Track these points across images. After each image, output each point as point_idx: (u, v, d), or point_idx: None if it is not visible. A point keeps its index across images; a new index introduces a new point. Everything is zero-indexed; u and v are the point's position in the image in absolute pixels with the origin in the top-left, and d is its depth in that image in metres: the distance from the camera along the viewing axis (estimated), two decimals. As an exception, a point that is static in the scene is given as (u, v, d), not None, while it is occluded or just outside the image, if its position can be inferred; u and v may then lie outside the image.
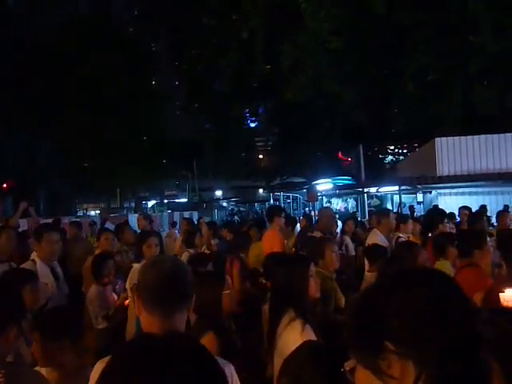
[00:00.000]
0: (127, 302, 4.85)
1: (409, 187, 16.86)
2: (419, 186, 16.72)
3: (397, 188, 16.83)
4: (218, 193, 49.99)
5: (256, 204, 42.52)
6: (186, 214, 23.70)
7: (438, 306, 0.98)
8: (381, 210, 7.61)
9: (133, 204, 41.92)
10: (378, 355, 0.96)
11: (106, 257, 5.42)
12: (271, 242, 6.62)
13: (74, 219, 14.43)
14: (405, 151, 30.22)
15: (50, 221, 13.82)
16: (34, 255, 5.01)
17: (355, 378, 1.02)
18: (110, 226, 13.95)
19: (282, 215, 7.14)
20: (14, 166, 27.65)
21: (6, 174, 26.27)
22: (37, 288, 3.63)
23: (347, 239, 8.27)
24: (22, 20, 26.59)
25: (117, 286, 5.31)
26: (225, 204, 42.77)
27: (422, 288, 1.01)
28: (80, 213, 40.17)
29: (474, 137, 15.99)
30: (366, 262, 5.50)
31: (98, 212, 35.09)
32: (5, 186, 25.71)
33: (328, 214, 7.38)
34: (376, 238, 6.29)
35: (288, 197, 26.02)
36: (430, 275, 1.10)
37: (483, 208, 11.42)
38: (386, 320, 0.97)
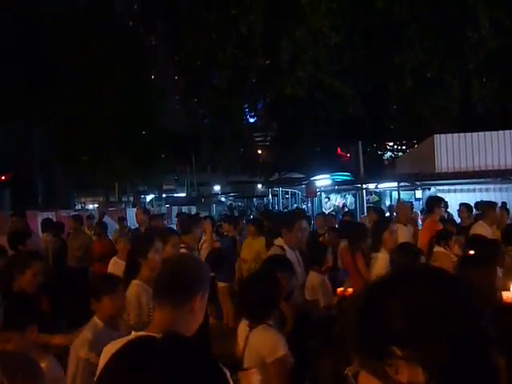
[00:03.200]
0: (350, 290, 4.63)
1: (407, 184, 16.83)
2: (418, 183, 16.69)
3: (395, 184, 16.79)
4: (217, 188, 49.98)
5: (254, 199, 42.51)
6: (184, 209, 23.73)
7: (442, 306, 0.94)
8: (486, 203, 7.71)
9: (131, 198, 41.87)
10: (383, 360, 0.91)
11: (324, 245, 5.30)
12: (431, 230, 6.67)
13: (72, 213, 14.47)
14: (404, 148, 30.22)
15: (48, 214, 13.84)
16: (280, 241, 4.90)
17: (358, 383, 0.98)
18: (108, 220, 13.98)
19: (442, 205, 7.50)
20: (12, 158, 27.54)
21: (4, 167, 26.19)
22: (290, 276, 3.59)
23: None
24: (20, 7, 26.35)
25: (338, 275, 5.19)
26: (223, 199, 42.77)
27: (426, 287, 0.97)
28: (78, 206, 40.11)
29: (473, 134, 15.97)
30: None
31: (96, 206, 35.06)
32: (3, 178, 25.62)
33: (406, 207, 7.53)
34: (482, 229, 6.53)
35: (287, 192, 26.01)
36: (433, 273, 1.05)
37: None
38: (390, 323, 0.93)
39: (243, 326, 3.17)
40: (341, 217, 13.19)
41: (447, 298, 0.95)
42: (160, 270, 2.21)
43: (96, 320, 3.46)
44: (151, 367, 0.93)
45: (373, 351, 0.93)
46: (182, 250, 5.20)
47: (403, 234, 6.70)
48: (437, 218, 7.23)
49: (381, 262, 4.85)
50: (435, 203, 7.39)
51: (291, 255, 4.62)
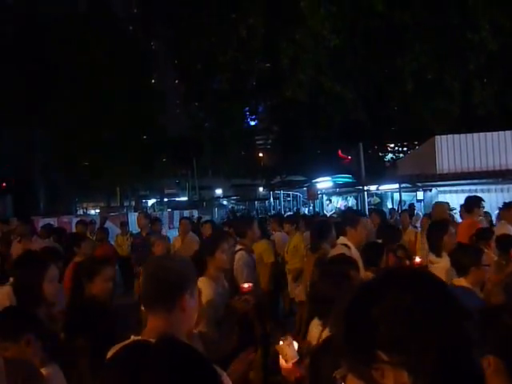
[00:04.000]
0: None
1: (409, 185, 16.82)
2: (419, 184, 16.67)
3: (397, 186, 16.79)
4: (218, 191, 49.97)
5: (256, 202, 42.47)
6: (186, 213, 23.71)
7: (427, 311, 0.94)
8: (507, 204, 7.47)
9: (133, 203, 41.86)
10: (370, 365, 0.92)
11: (381, 245, 5.26)
12: (470, 230, 6.32)
13: (77, 218, 14.52)
14: (405, 149, 30.16)
15: (50, 220, 13.84)
16: (344, 240, 4.92)
17: None
18: (109, 225, 13.99)
19: (482, 206, 7.11)
20: (13, 163, 27.51)
21: (5, 172, 26.10)
22: (358, 275, 3.58)
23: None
24: (22, 12, 26.41)
25: None
26: (225, 202, 42.75)
27: (410, 292, 0.97)
28: (80, 211, 40.13)
29: (474, 134, 15.93)
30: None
31: (97, 211, 35.06)
32: (4, 184, 25.45)
33: (443, 208, 7.31)
34: (506, 229, 6.42)
35: (288, 195, 26.01)
36: (417, 277, 1.05)
37: None
38: (376, 328, 0.93)
39: (315, 325, 3.10)
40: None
41: (431, 303, 0.95)
42: (143, 276, 2.23)
43: None
44: (147, 369, 0.94)
45: (359, 356, 0.94)
46: (241, 252, 5.32)
47: None
48: (475, 218, 6.85)
49: (442, 271, 4.41)
50: (474, 203, 7.00)
51: (356, 253, 4.61)
